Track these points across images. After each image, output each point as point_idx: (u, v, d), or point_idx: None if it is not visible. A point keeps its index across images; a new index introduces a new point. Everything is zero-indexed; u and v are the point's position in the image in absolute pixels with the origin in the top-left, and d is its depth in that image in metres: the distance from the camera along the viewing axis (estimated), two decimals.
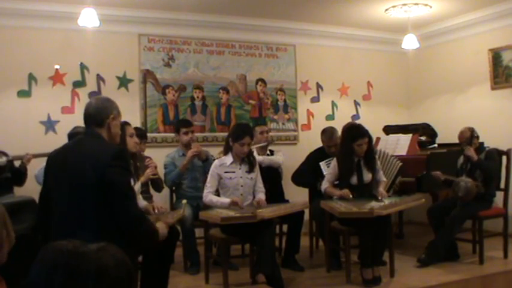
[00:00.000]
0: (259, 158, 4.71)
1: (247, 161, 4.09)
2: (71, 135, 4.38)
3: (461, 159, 4.71)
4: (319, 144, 5.07)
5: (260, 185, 4.18)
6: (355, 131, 4.23)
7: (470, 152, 4.48)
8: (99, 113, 2.56)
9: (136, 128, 4.12)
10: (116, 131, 2.64)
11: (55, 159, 2.58)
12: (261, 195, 4.11)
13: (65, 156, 2.51)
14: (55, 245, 1.15)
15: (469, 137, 4.55)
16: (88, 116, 2.59)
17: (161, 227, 2.78)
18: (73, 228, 2.31)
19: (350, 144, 4.16)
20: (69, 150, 2.58)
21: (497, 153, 4.68)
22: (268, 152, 5.09)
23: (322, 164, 4.73)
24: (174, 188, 4.90)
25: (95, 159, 2.37)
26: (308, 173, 4.86)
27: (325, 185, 4.33)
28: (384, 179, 4.41)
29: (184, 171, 4.68)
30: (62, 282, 1.07)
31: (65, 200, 2.41)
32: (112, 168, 2.35)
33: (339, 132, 4.84)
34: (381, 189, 4.24)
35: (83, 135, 2.64)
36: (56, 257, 1.11)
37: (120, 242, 2.09)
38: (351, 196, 4.07)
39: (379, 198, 4.11)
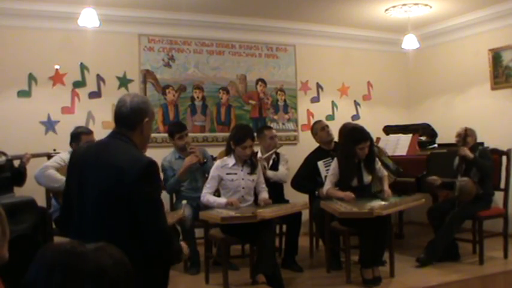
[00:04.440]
0: (268, 173, 4.66)
1: (249, 162, 4.08)
2: (74, 136, 4.39)
3: (456, 160, 4.71)
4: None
5: (263, 185, 4.20)
6: (358, 135, 4.20)
7: (465, 151, 4.48)
8: (133, 116, 2.30)
9: None
10: (148, 133, 2.39)
11: (81, 158, 2.35)
12: (265, 194, 4.12)
13: (90, 161, 2.26)
14: (53, 245, 1.15)
15: (463, 136, 4.55)
16: (120, 116, 2.32)
17: (184, 247, 2.53)
18: (92, 236, 2.16)
19: (352, 147, 4.15)
20: (96, 153, 2.31)
21: (494, 153, 4.69)
22: (274, 156, 5.02)
23: (320, 164, 4.74)
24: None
25: (124, 171, 2.13)
26: (307, 179, 4.85)
27: (327, 186, 4.32)
28: (385, 173, 4.40)
29: (182, 177, 4.63)
30: (60, 282, 1.07)
31: (85, 207, 2.21)
32: (142, 183, 2.13)
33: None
34: (387, 188, 4.24)
35: (110, 137, 2.36)
36: (55, 257, 1.11)
37: (138, 256, 1.98)
38: (353, 197, 4.07)
39: (385, 196, 4.11)
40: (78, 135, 4.35)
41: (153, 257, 2.20)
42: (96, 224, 2.16)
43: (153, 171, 2.22)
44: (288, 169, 4.99)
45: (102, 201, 2.15)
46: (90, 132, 4.45)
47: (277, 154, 5.03)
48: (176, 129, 4.79)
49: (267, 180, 4.38)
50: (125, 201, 2.12)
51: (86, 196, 2.21)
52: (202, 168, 4.71)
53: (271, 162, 4.93)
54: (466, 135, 4.56)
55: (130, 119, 2.31)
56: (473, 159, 4.45)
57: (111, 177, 2.15)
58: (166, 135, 5.64)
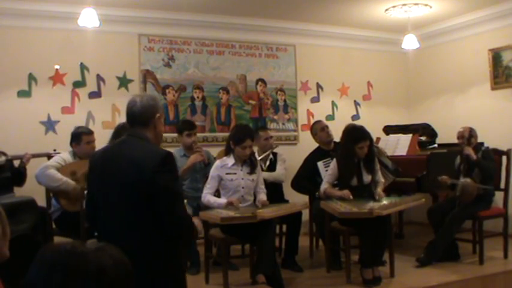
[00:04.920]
0: (264, 174, 4.67)
1: (249, 162, 4.08)
2: (74, 135, 4.39)
3: (458, 160, 4.71)
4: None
5: (262, 185, 4.19)
6: (357, 133, 4.21)
7: (469, 151, 4.48)
8: (145, 113, 2.42)
9: None
10: (160, 129, 2.54)
11: (99, 161, 2.49)
12: (263, 196, 4.12)
13: (110, 159, 2.41)
14: (53, 245, 1.15)
15: (468, 136, 4.55)
16: (133, 116, 2.45)
17: (197, 223, 2.68)
18: (119, 228, 2.30)
19: (352, 146, 4.15)
20: (114, 152, 2.46)
21: (494, 153, 4.69)
22: (271, 156, 5.03)
23: (320, 164, 4.74)
24: None
25: (142, 164, 2.28)
26: (307, 180, 4.86)
27: (324, 186, 4.33)
28: (382, 180, 4.40)
29: (185, 175, 4.64)
30: (60, 282, 1.07)
31: (110, 203, 2.35)
32: (161, 173, 2.27)
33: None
34: (379, 189, 4.23)
35: (127, 135, 2.48)
36: (55, 257, 1.11)
37: (160, 241, 2.28)
38: (351, 197, 4.07)
39: (377, 198, 4.11)
40: (79, 135, 4.35)
41: (173, 239, 2.36)
42: (121, 216, 2.30)
43: (170, 161, 2.37)
44: (285, 168, 5.00)
45: (125, 194, 2.29)
46: (90, 132, 4.45)
47: (275, 154, 5.05)
48: (186, 126, 4.86)
49: (265, 181, 4.37)
50: (145, 191, 2.25)
51: (111, 191, 2.34)
52: (204, 170, 4.71)
53: (268, 162, 4.94)
54: (470, 135, 4.56)
55: (142, 117, 2.43)
56: (477, 160, 4.45)
57: (132, 170, 2.28)
58: (166, 135, 5.65)
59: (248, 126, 4.59)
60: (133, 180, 2.26)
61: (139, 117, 2.43)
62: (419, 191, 4.84)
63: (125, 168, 2.31)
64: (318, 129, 5.06)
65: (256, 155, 4.83)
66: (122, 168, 2.32)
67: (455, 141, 4.78)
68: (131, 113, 2.45)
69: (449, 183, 4.57)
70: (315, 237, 5.14)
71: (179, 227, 2.38)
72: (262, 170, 4.61)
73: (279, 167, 4.95)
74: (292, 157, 5.43)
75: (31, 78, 5.18)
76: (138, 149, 2.36)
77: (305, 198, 4.91)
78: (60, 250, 1.12)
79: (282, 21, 6.23)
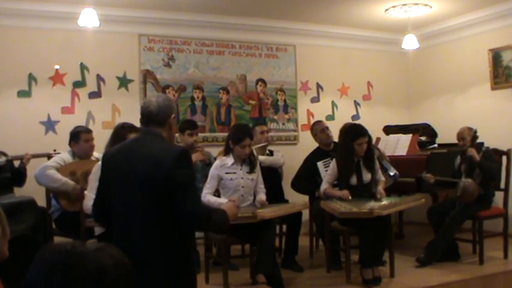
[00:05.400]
0: (260, 158, 4.70)
1: (248, 161, 4.08)
2: (73, 134, 4.39)
3: (458, 160, 4.71)
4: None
5: (261, 185, 4.18)
6: (355, 130, 4.23)
7: (473, 152, 4.47)
8: (161, 113, 2.46)
9: (139, 129, 4.11)
10: (174, 129, 2.61)
11: (113, 158, 2.50)
12: (262, 195, 4.11)
13: (126, 155, 2.43)
14: (54, 245, 1.15)
15: (471, 138, 4.55)
16: (149, 115, 2.46)
17: (229, 207, 2.64)
18: (136, 224, 2.32)
19: (350, 144, 4.16)
20: (129, 149, 2.49)
21: (494, 153, 4.68)
22: (267, 152, 5.09)
23: (320, 164, 4.74)
24: None
25: (160, 160, 2.31)
26: (307, 180, 4.86)
27: (324, 186, 4.33)
28: (383, 179, 4.41)
29: None
30: (60, 283, 1.07)
31: (127, 199, 2.36)
32: (178, 169, 2.31)
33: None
34: (380, 188, 4.24)
35: (142, 133, 2.53)
36: (55, 257, 1.11)
37: (176, 235, 2.31)
38: (350, 197, 4.07)
39: (378, 196, 4.11)
40: (77, 134, 4.35)
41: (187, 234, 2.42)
42: (138, 212, 2.32)
43: (186, 157, 2.41)
44: (282, 156, 5.12)
45: (142, 190, 2.31)
46: (89, 131, 4.46)
47: (271, 151, 5.13)
48: (188, 125, 4.87)
49: (266, 179, 4.36)
50: (163, 186, 2.28)
51: (127, 188, 2.35)
52: (204, 170, 4.71)
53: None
54: (474, 136, 4.56)
55: (159, 116, 2.46)
56: (480, 161, 4.44)
57: (149, 165, 2.31)
58: None
59: (247, 126, 4.60)
60: (150, 176, 2.30)
61: (156, 117, 2.45)
62: (419, 191, 4.84)
63: (142, 164, 2.33)
64: (318, 130, 5.07)
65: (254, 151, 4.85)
66: (139, 164, 2.34)
67: (455, 141, 4.78)
68: (147, 112, 2.47)
69: (433, 181, 4.57)
70: (315, 237, 5.14)
71: (196, 222, 2.41)
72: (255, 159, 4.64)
73: (276, 153, 5.10)
74: (292, 157, 5.43)
75: (31, 78, 5.18)
76: (154, 146, 2.40)
77: (305, 198, 4.91)
78: (60, 250, 1.12)
79: (282, 21, 6.23)
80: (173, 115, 2.51)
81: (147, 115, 2.48)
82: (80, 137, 4.33)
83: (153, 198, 2.30)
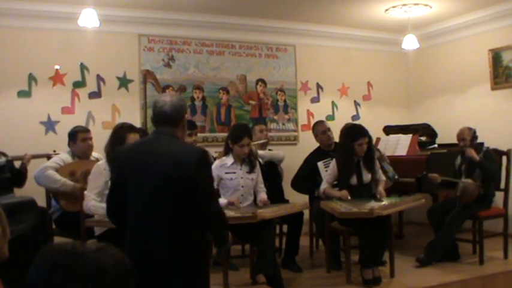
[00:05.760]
0: (260, 152, 4.70)
1: (248, 161, 4.09)
2: (71, 134, 4.39)
3: (458, 160, 4.71)
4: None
5: (261, 185, 4.19)
6: (355, 130, 4.23)
7: (472, 153, 4.47)
8: (176, 113, 2.43)
9: (138, 129, 4.11)
10: (186, 130, 2.61)
11: (129, 158, 2.46)
12: (263, 195, 4.12)
13: (144, 155, 2.40)
14: (54, 245, 1.15)
15: (471, 138, 4.55)
16: (163, 115, 2.43)
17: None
18: (154, 224, 2.30)
19: (350, 144, 4.16)
20: (146, 149, 2.44)
21: (495, 153, 4.69)
22: (267, 151, 5.08)
23: (320, 164, 4.74)
24: None
25: (182, 160, 2.30)
26: (306, 180, 4.86)
27: (323, 186, 4.33)
28: (383, 178, 4.41)
29: None
30: (61, 283, 1.07)
31: (144, 199, 2.34)
32: (201, 170, 2.32)
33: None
34: (380, 188, 4.24)
35: (157, 134, 2.48)
36: (55, 257, 1.11)
37: (194, 235, 2.31)
38: (349, 198, 4.07)
39: (378, 196, 4.11)
40: (75, 134, 4.36)
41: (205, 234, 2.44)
42: (157, 212, 2.31)
43: (207, 159, 2.46)
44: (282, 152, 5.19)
45: (162, 190, 2.30)
46: (86, 130, 4.46)
47: (270, 150, 5.15)
48: (187, 125, 4.84)
49: (266, 179, 4.36)
50: (183, 186, 2.28)
51: (145, 187, 2.33)
52: None
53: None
54: (474, 137, 4.56)
55: (173, 116, 2.44)
56: (480, 162, 4.44)
57: (170, 165, 2.30)
58: None
59: (246, 125, 4.61)
60: (172, 176, 2.28)
61: (170, 117, 2.43)
62: (419, 191, 4.84)
63: (162, 164, 2.31)
64: (319, 132, 5.06)
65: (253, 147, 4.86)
66: (159, 164, 2.32)
67: (456, 141, 4.78)
68: (161, 112, 2.43)
69: (440, 181, 4.57)
70: (315, 237, 5.14)
71: (216, 222, 2.46)
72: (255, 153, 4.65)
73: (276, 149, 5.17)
74: (292, 157, 5.43)
75: (31, 78, 5.18)
76: (173, 146, 2.38)
77: (305, 198, 4.90)
78: (60, 250, 1.12)
79: (282, 21, 6.23)
80: (186, 115, 2.53)
81: (162, 115, 2.44)
82: (77, 136, 4.33)
83: (173, 198, 2.29)
